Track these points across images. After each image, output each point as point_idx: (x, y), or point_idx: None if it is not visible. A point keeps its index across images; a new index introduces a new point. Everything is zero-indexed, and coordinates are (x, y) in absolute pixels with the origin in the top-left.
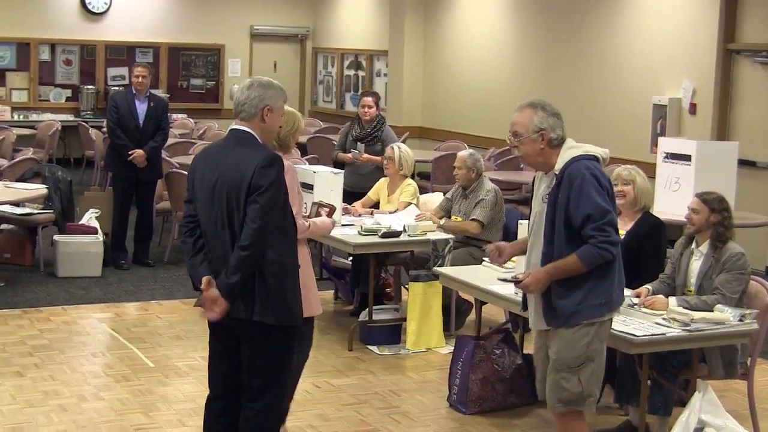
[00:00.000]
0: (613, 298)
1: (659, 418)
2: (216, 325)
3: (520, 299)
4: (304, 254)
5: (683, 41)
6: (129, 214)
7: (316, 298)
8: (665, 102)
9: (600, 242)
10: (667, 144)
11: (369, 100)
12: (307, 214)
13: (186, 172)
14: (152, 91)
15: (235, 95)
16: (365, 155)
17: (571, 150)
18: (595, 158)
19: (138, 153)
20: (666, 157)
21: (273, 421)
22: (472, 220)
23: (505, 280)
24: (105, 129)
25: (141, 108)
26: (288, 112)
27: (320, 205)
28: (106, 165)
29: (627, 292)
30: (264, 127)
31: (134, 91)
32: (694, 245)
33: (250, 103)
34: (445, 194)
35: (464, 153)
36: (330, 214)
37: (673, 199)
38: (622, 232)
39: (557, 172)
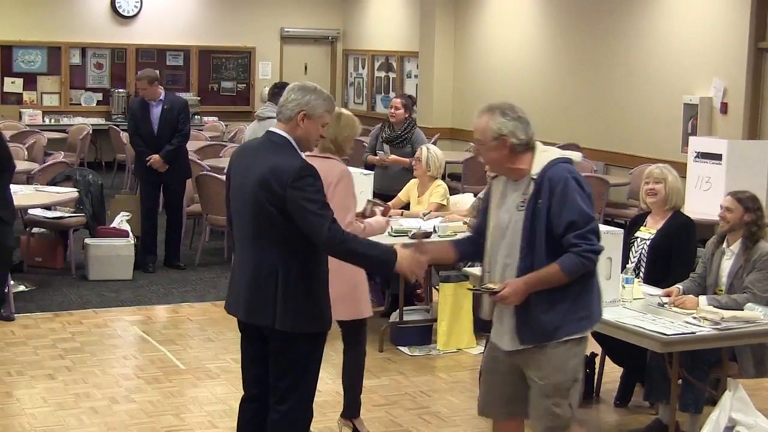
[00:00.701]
0: (594, 310)
1: (690, 416)
2: (246, 327)
3: (485, 310)
4: None
5: (714, 40)
6: (157, 218)
7: (367, 300)
8: (696, 101)
9: (584, 251)
10: (697, 143)
11: (397, 101)
12: (361, 211)
13: (217, 175)
14: (179, 93)
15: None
16: (392, 156)
17: (546, 153)
18: (571, 161)
19: (155, 158)
20: (697, 157)
21: (299, 425)
22: None
23: (476, 290)
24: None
25: (155, 113)
26: (347, 116)
27: (374, 203)
28: (134, 169)
29: (657, 291)
30: (299, 134)
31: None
32: (725, 245)
33: (287, 105)
34: (476, 195)
35: None
36: (385, 213)
37: (703, 199)
38: (653, 231)
39: (535, 177)
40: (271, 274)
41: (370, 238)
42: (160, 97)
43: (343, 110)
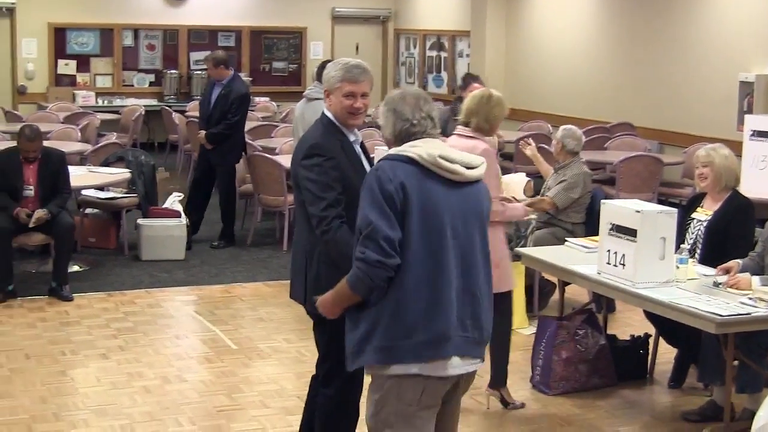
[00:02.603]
0: (398, 345)
1: (749, 395)
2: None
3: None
4: (500, 235)
5: None
6: (202, 192)
7: (510, 274)
8: (752, 79)
9: (356, 260)
10: (753, 121)
11: (475, 85)
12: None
13: (268, 156)
14: (243, 77)
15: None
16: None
17: (390, 150)
18: (407, 159)
19: (201, 134)
20: (753, 135)
21: (345, 408)
22: (548, 197)
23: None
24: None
25: (214, 94)
26: (497, 96)
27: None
28: None
29: (712, 271)
30: (332, 110)
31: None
32: None
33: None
34: (528, 174)
35: (563, 127)
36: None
37: (759, 178)
38: (709, 212)
39: None
40: (304, 254)
41: None
42: (224, 81)
43: (494, 91)
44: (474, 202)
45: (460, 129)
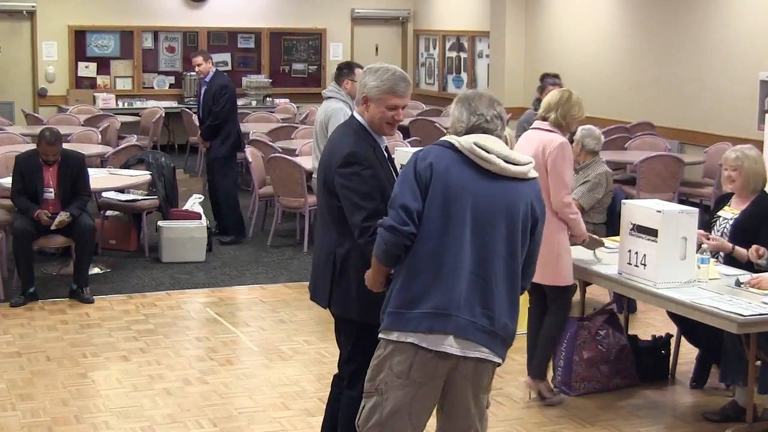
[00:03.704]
0: (405, 314)
1: None
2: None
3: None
4: (563, 228)
5: None
6: (217, 194)
7: (569, 270)
8: None
9: (378, 225)
10: None
11: (550, 88)
12: None
13: (288, 157)
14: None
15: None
16: None
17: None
18: (449, 144)
19: (198, 135)
20: None
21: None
22: (574, 199)
23: None
24: None
25: (202, 92)
26: (576, 97)
27: None
28: None
29: (734, 271)
30: (367, 117)
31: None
32: None
33: (359, 89)
34: None
35: (581, 127)
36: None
37: None
38: (736, 212)
39: None
40: (329, 256)
41: None
42: (207, 77)
43: (574, 92)
44: (508, 197)
45: (538, 123)
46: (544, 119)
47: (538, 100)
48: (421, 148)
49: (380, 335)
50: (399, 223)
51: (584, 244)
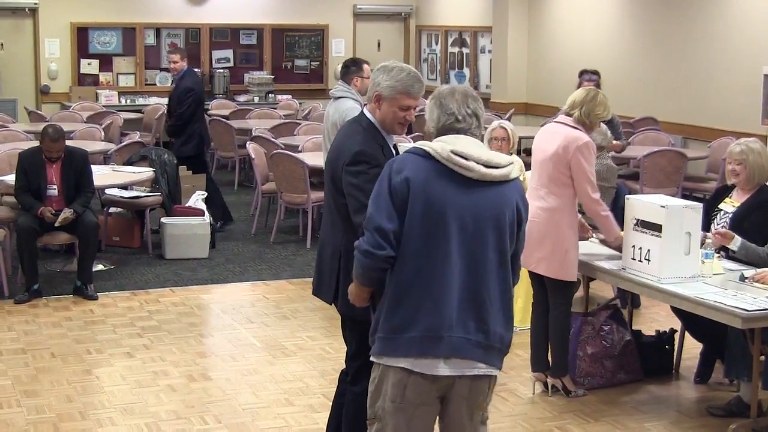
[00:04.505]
0: (394, 338)
1: None
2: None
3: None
4: (571, 223)
5: None
6: (209, 187)
7: (574, 266)
8: None
9: (354, 247)
10: None
11: (585, 84)
12: None
13: (291, 153)
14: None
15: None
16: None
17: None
18: (424, 153)
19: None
20: None
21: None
22: None
23: None
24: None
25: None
26: (602, 97)
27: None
28: None
29: (737, 266)
30: (378, 116)
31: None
32: None
33: (370, 87)
34: None
35: None
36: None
37: None
38: (736, 204)
39: None
40: (335, 254)
41: None
42: (177, 75)
43: (601, 92)
44: (493, 204)
45: (562, 117)
46: (569, 115)
47: None
48: (394, 158)
49: (372, 358)
50: (374, 246)
51: (615, 245)
